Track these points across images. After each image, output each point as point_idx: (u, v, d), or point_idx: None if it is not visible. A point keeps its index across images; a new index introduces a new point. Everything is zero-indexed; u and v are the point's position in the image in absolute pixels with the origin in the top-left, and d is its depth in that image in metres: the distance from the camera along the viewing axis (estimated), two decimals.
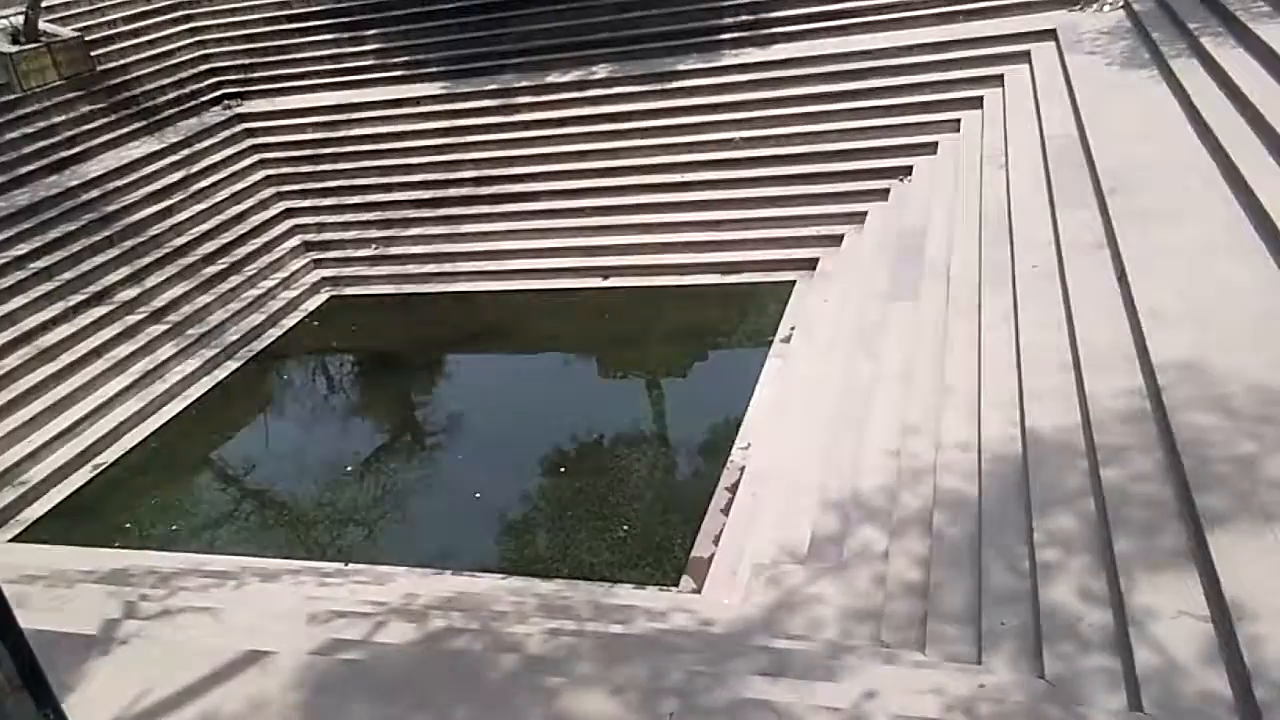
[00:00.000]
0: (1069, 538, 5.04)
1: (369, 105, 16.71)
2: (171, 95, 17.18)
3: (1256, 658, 3.78)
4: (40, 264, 13.18)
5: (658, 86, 15.12)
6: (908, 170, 12.78)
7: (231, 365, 13.08)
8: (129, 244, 14.15)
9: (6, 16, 15.61)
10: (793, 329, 11.04)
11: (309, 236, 15.69)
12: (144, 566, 8.68)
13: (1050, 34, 13.07)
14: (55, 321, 12.60)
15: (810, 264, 12.47)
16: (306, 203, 16.13)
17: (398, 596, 7.23)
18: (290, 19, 18.42)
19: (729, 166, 14.04)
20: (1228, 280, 6.48)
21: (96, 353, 12.47)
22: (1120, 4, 13.27)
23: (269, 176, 16.45)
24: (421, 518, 9.78)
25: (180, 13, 18.75)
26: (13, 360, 11.89)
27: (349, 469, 10.70)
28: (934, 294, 8.96)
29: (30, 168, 14.73)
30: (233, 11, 18.69)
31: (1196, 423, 5.11)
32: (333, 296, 14.90)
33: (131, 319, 13.12)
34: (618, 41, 16.08)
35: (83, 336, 12.61)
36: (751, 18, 15.60)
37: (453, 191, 15.39)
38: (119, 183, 15.00)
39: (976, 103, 12.88)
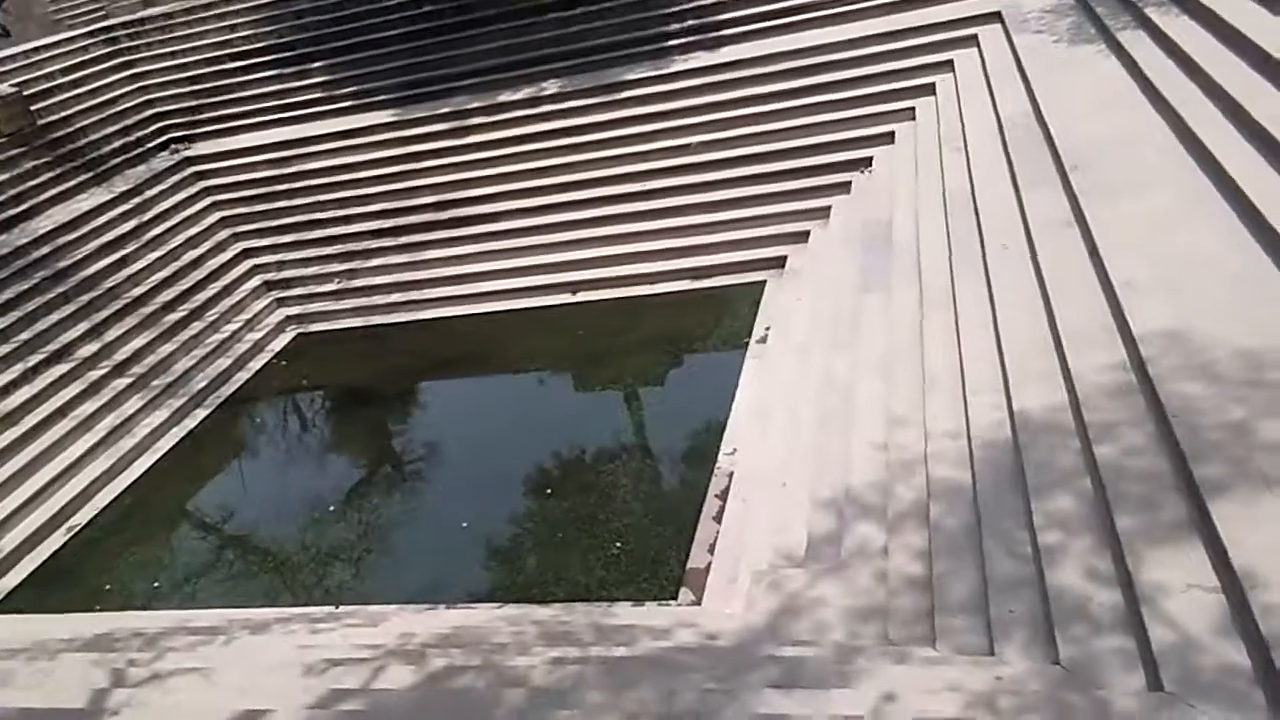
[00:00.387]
0: (1069, 518, 5.00)
1: (320, 138, 16.49)
2: (117, 144, 16.86)
3: (1272, 625, 3.74)
4: None
5: (609, 98, 15.05)
6: (867, 161, 12.79)
7: (201, 413, 12.81)
8: (85, 298, 13.85)
9: None
10: (768, 329, 10.99)
11: (269, 275, 15.45)
12: (128, 629, 8.43)
13: (995, 15, 13.14)
14: (15, 384, 12.28)
15: (779, 262, 12.44)
16: (264, 241, 15.88)
17: (393, 637, 7.06)
18: (232, 57, 18.15)
19: (688, 172, 13.98)
20: (1199, 247, 6.50)
21: (61, 412, 12.17)
22: None
23: (223, 218, 16.19)
24: (410, 552, 9.61)
25: (119, 60, 18.43)
26: None
27: (331, 508, 10.50)
28: (906, 283, 8.94)
29: None
30: (173, 54, 18.40)
31: (1184, 392, 5.09)
32: (299, 334, 14.67)
33: (94, 374, 12.82)
34: (566, 55, 15.99)
35: (45, 397, 12.30)
36: (698, 21, 15.59)
37: (413, 219, 15.23)
38: (70, 236, 14.70)
39: (929, 90, 12.92)
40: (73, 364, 12.84)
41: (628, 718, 4.27)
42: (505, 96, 15.75)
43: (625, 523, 8.97)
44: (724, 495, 8.54)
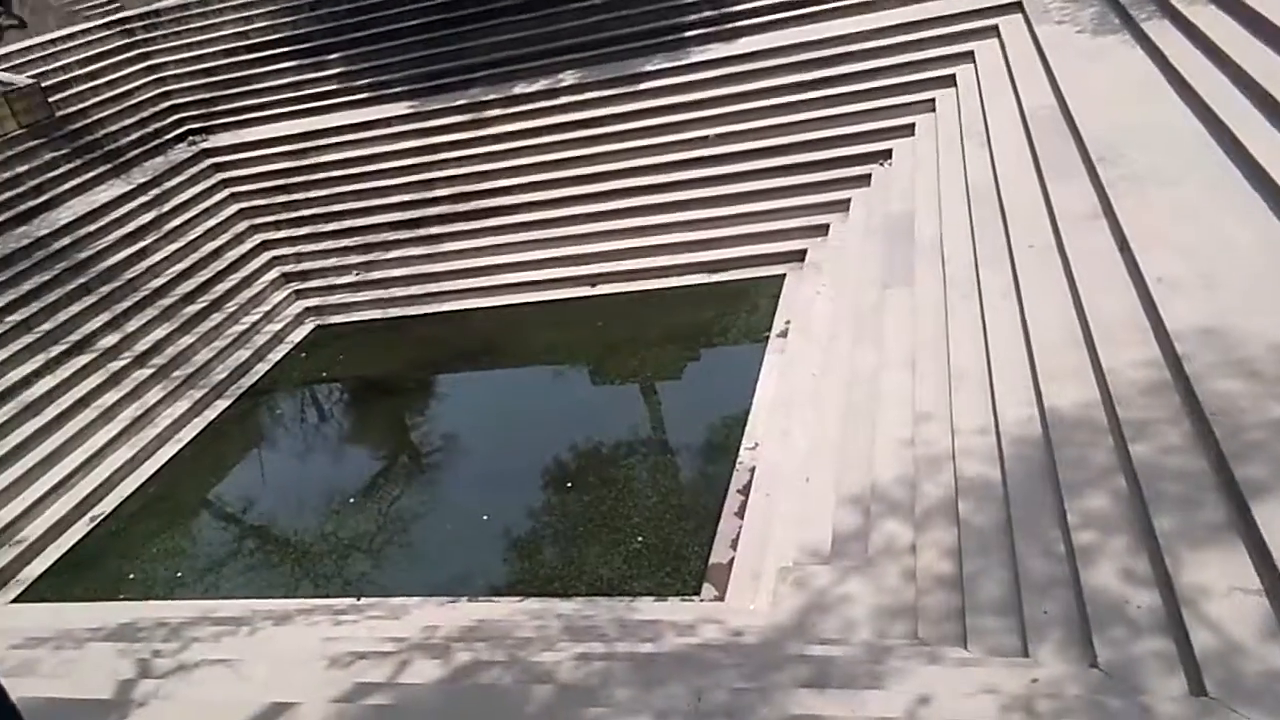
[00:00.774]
0: (1104, 518, 4.94)
1: (337, 130, 16.49)
2: (135, 135, 16.89)
3: None
4: (17, 317, 12.92)
5: (626, 89, 14.98)
6: (887, 154, 12.70)
7: (222, 404, 12.85)
8: (106, 289, 13.90)
9: None
10: (788, 323, 10.92)
11: (288, 268, 15.46)
12: (152, 619, 8.46)
13: (1016, 6, 13.02)
14: (38, 374, 12.35)
15: (798, 256, 12.37)
16: (282, 234, 15.90)
17: (417, 630, 7.06)
18: (249, 49, 18.16)
19: (706, 164, 13.92)
20: (1232, 240, 6.41)
21: (83, 402, 12.23)
22: None
23: (241, 210, 16.21)
24: (431, 544, 9.62)
25: (136, 51, 18.47)
26: None
27: (351, 500, 10.52)
28: (930, 277, 8.87)
29: None
30: (190, 46, 18.41)
31: (1223, 389, 5.02)
32: (318, 326, 14.69)
33: (115, 365, 12.87)
34: (583, 47, 15.94)
35: (67, 387, 12.36)
36: (715, 13, 15.49)
37: (431, 210, 15.21)
38: (90, 228, 14.74)
39: (949, 81, 12.81)
40: (94, 354, 12.89)
41: (659, 716, 4.24)
42: (522, 88, 15.70)
43: (646, 517, 8.94)
44: (746, 490, 8.50)
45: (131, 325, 13.57)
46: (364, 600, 8.59)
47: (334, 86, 17.25)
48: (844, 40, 14.02)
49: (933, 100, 12.78)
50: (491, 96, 15.77)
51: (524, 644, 6.27)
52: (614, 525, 8.92)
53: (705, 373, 11.58)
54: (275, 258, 15.60)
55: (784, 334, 10.78)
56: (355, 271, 15.03)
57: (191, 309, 14.16)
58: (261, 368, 13.68)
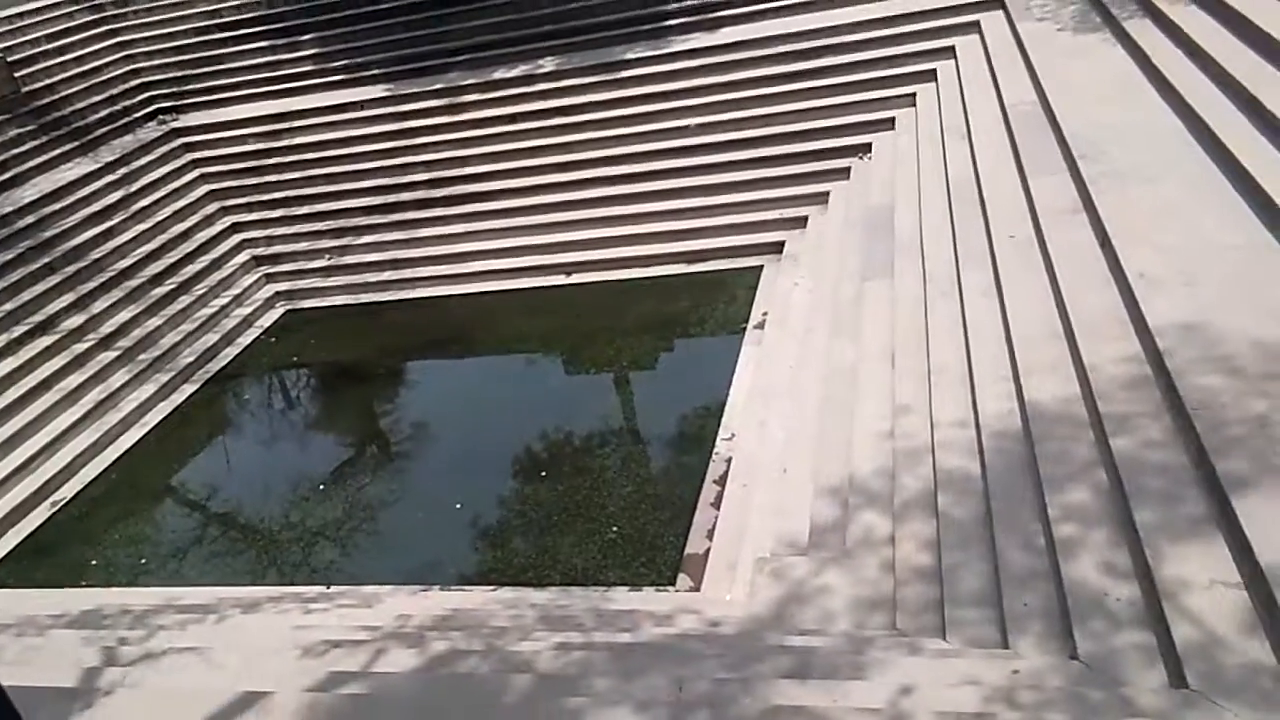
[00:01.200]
0: (1085, 511, 4.95)
1: (310, 112, 16.24)
2: (103, 113, 16.55)
3: None
4: None
5: (606, 77, 14.88)
6: (867, 148, 12.68)
7: (189, 389, 12.62)
8: (70, 269, 13.61)
9: None
10: (765, 314, 10.90)
11: (258, 251, 15.22)
12: (116, 605, 8.29)
13: (998, 2, 13.04)
14: None
15: (776, 247, 12.34)
16: (253, 216, 15.65)
17: (390, 619, 6.96)
18: (221, 28, 17.85)
19: (686, 154, 13.85)
20: (1211, 236, 6.45)
21: (45, 385, 11.96)
22: None
23: (211, 191, 15.93)
24: (402, 532, 9.48)
25: (106, 27, 18.10)
26: None
27: (321, 486, 10.37)
28: (909, 271, 8.87)
29: None
30: (161, 23, 18.07)
31: (1203, 384, 5.04)
32: (289, 311, 14.47)
33: (79, 347, 12.60)
34: (563, 33, 15.81)
35: (29, 369, 12.08)
36: (697, 2, 15.41)
37: (405, 195, 15.02)
38: (55, 206, 14.42)
39: (930, 75, 12.83)
40: (57, 336, 12.61)
41: (640, 706, 4.19)
42: (500, 73, 15.55)
43: (621, 507, 8.89)
44: (722, 481, 8.46)
45: (97, 307, 13.29)
46: (334, 588, 8.46)
47: (308, 68, 16.99)
48: (826, 33, 13.99)
49: (914, 95, 12.79)
50: (469, 81, 15.60)
51: (500, 633, 6.20)
52: (589, 515, 8.85)
53: (682, 363, 11.54)
54: (245, 240, 15.34)
55: (761, 325, 10.76)
56: (327, 255, 14.82)
57: (159, 291, 13.90)
58: (230, 352, 13.45)
